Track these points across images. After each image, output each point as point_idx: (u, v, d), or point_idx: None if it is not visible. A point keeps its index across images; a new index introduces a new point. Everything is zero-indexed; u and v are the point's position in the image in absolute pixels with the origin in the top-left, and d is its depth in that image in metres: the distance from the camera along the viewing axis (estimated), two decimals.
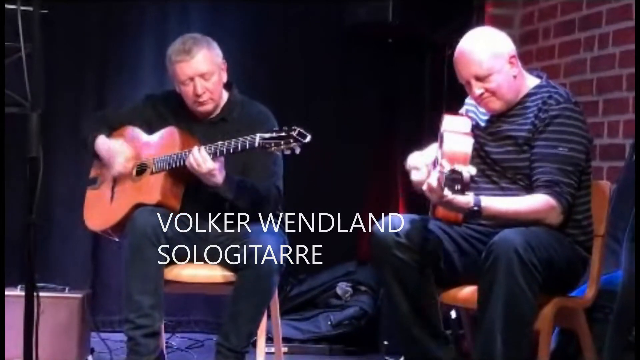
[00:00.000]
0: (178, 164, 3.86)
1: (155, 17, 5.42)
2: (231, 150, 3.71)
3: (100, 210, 4.09)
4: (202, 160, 3.72)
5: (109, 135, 4.11)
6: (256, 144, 3.64)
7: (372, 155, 5.67)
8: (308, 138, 3.58)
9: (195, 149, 3.74)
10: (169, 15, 5.42)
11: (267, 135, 3.62)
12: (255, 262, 3.72)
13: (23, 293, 3.35)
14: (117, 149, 4.03)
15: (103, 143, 4.07)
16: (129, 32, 5.39)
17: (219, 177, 3.78)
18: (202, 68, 3.93)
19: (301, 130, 3.58)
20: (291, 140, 3.58)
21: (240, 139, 3.69)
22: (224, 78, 4.05)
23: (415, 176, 3.58)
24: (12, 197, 4.43)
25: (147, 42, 5.40)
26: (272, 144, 3.61)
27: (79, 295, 4.53)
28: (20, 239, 4.38)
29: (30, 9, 3.26)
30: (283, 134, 3.60)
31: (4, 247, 3.81)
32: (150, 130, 4.10)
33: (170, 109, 4.11)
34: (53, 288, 4.53)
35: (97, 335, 4.90)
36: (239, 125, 3.98)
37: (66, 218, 5.09)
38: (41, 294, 3.36)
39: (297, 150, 3.60)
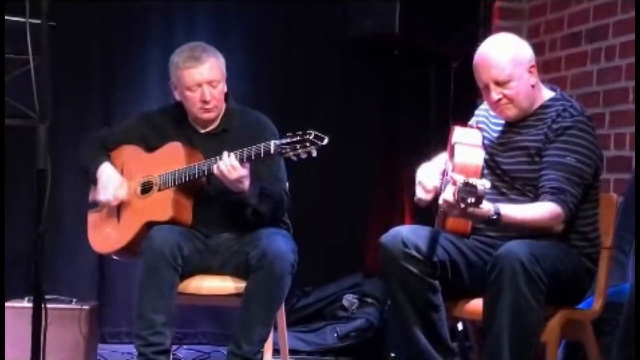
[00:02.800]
0: (186, 178, 3.87)
1: (161, 27, 5.40)
2: (252, 157, 3.70)
3: (108, 233, 4.06)
4: (233, 167, 3.72)
5: (108, 157, 4.09)
6: (271, 150, 3.64)
7: (376, 167, 5.67)
8: (326, 140, 3.59)
9: (224, 155, 3.73)
10: (174, 25, 5.41)
11: (282, 141, 3.63)
12: (267, 264, 3.72)
13: (30, 305, 3.35)
14: (111, 183, 3.99)
15: (102, 174, 4.03)
16: (134, 41, 5.39)
17: (247, 184, 3.78)
18: (211, 75, 3.95)
19: (317, 133, 3.59)
20: (307, 144, 3.59)
21: (254, 147, 3.69)
22: (225, 88, 4.06)
23: (420, 193, 3.58)
24: (20, 209, 4.45)
25: (152, 51, 5.40)
26: (288, 149, 3.61)
27: (86, 307, 4.53)
28: (28, 251, 4.40)
29: (39, 21, 3.27)
30: (298, 138, 3.60)
31: (4, 256, 3.82)
32: (148, 146, 4.09)
33: (168, 123, 4.10)
34: (60, 300, 4.53)
35: (105, 347, 4.91)
36: (240, 134, 3.99)
37: (73, 230, 5.08)
38: (48, 305, 3.36)
39: (314, 154, 3.59)
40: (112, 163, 4.09)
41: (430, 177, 3.59)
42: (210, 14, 5.45)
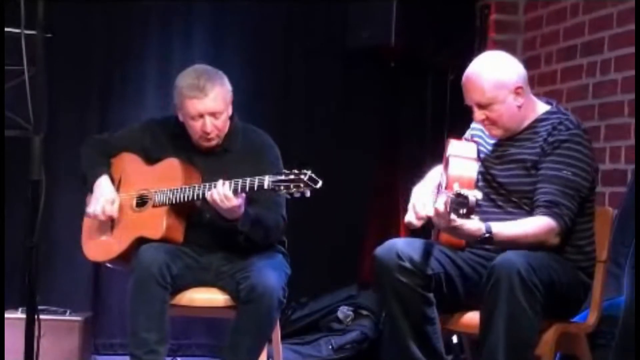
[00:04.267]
0: (181, 199, 3.85)
1: (159, 35, 5.41)
2: (246, 189, 3.68)
3: (100, 242, 4.05)
4: (227, 197, 3.70)
5: (108, 167, 4.08)
6: (265, 186, 3.62)
7: (373, 178, 5.67)
8: (319, 184, 3.57)
9: (219, 184, 3.71)
10: (172, 34, 5.41)
11: (276, 177, 3.60)
12: (256, 299, 3.71)
13: (24, 316, 3.35)
14: (104, 197, 3.97)
15: (98, 186, 4.01)
16: (132, 51, 5.38)
17: (240, 212, 3.77)
18: (214, 107, 3.89)
19: (312, 175, 3.57)
20: (301, 185, 3.57)
21: (249, 179, 3.67)
22: (230, 111, 4.02)
23: (411, 217, 3.57)
24: (14, 219, 4.43)
25: (150, 62, 5.39)
26: (282, 187, 3.59)
27: (80, 319, 4.53)
28: (21, 262, 4.39)
29: (34, 32, 3.27)
30: (292, 177, 3.58)
31: (4, 269, 3.81)
32: (147, 157, 4.08)
33: (170, 137, 4.08)
34: (54, 311, 4.53)
35: (98, 359, 4.90)
36: (241, 156, 3.98)
37: (67, 241, 5.06)
38: (42, 316, 3.36)
39: (307, 194, 3.58)
40: (111, 171, 4.08)
41: (424, 203, 3.55)
42: (209, 24, 5.45)
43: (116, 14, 5.31)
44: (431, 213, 3.38)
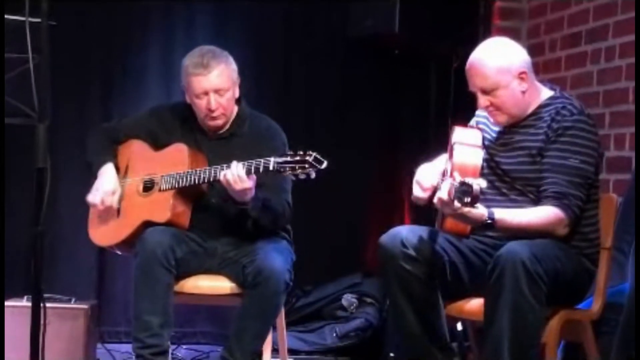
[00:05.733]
0: (188, 182, 3.86)
1: (161, 27, 5.42)
2: (252, 171, 3.68)
3: (107, 226, 4.06)
4: (240, 178, 3.70)
5: (114, 156, 4.09)
6: (270, 167, 3.63)
7: (377, 167, 5.66)
8: (324, 164, 3.58)
9: (233, 164, 3.71)
10: (174, 26, 5.42)
11: (281, 159, 3.61)
12: (263, 282, 3.72)
13: (29, 304, 3.35)
14: (105, 187, 3.99)
15: (101, 175, 4.03)
16: (134, 41, 5.39)
17: (250, 195, 3.78)
18: (218, 84, 3.92)
19: (317, 155, 3.58)
20: (306, 166, 3.58)
21: (254, 161, 3.68)
22: (237, 93, 4.04)
23: (417, 192, 3.58)
24: (18, 208, 4.45)
25: (152, 51, 5.40)
26: (287, 168, 3.60)
27: (85, 306, 4.53)
28: (26, 250, 4.38)
29: (39, 20, 3.27)
30: (298, 158, 3.59)
31: (4, 255, 3.81)
32: (156, 143, 4.09)
33: (178, 122, 4.10)
34: (59, 299, 4.53)
35: (103, 346, 4.92)
36: (248, 141, 3.99)
37: (72, 229, 5.08)
38: (47, 304, 3.36)
39: (313, 175, 3.59)
40: (118, 158, 4.09)
41: (428, 176, 3.58)
42: (211, 14, 5.45)
43: (117, 7, 5.31)
44: (435, 183, 3.41)
